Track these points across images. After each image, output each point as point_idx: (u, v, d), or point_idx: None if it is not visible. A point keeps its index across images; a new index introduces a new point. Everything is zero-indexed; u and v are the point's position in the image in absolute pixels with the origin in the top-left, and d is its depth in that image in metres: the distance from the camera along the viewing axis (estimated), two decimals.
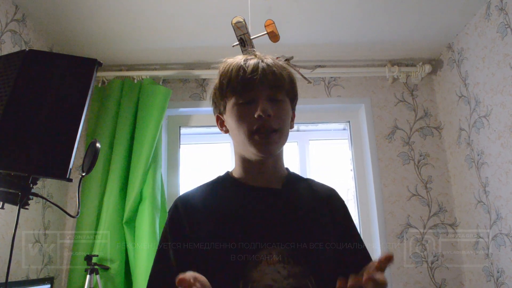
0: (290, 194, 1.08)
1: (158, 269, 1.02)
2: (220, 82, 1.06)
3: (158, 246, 1.04)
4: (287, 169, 1.16)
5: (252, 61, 1.02)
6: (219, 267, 0.95)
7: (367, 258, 1.10)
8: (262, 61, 1.03)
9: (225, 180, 1.12)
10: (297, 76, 1.16)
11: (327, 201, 1.12)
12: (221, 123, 1.12)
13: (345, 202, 1.17)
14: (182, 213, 1.04)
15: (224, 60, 1.09)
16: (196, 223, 1.01)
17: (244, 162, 1.07)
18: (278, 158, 1.09)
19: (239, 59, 1.05)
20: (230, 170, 1.14)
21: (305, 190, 1.12)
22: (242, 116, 1.01)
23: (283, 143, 1.06)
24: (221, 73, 1.06)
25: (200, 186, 1.12)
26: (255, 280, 0.91)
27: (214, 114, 1.14)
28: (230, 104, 1.04)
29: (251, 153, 1.03)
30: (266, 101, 1.00)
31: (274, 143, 1.01)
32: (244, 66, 1.01)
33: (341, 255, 1.04)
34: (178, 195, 2.71)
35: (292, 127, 1.11)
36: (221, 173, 1.15)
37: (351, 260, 1.05)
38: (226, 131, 1.10)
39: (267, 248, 0.94)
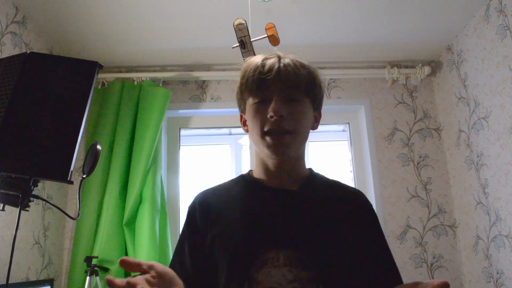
0: (306, 197, 1.04)
1: (174, 264, 1.05)
2: (240, 81, 1.06)
3: (178, 242, 1.08)
4: (310, 169, 1.13)
5: (270, 61, 1.01)
6: (226, 266, 0.95)
7: (394, 270, 1.04)
8: (280, 60, 1.02)
9: (244, 179, 1.12)
10: None
11: (350, 206, 1.06)
12: (244, 122, 1.12)
13: (373, 208, 1.10)
14: (198, 210, 1.06)
15: (247, 59, 1.08)
16: (209, 221, 1.03)
17: (262, 162, 1.07)
18: (298, 159, 1.07)
19: (258, 58, 1.04)
20: (252, 169, 1.14)
21: (325, 192, 1.08)
22: (257, 116, 1.00)
23: (299, 145, 1.03)
24: (241, 72, 1.06)
25: (221, 184, 1.14)
26: (259, 281, 0.90)
27: (239, 113, 1.14)
28: (248, 103, 1.04)
29: (265, 154, 1.02)
30: (281, 101, 0.98)
31: (287, 145, 0.99)
32: (260, 65, 1.01)
33: (363, 265, 0.99)
34: (178, 197, 2.73)
35: (315, 128, 1.09)
36: (244, 171, 1.16)
37: (376, 272, 1.00)
38: (247, 131, 1.09)
39: (275, 250, 0.92)
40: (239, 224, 1.00)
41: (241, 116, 1.13)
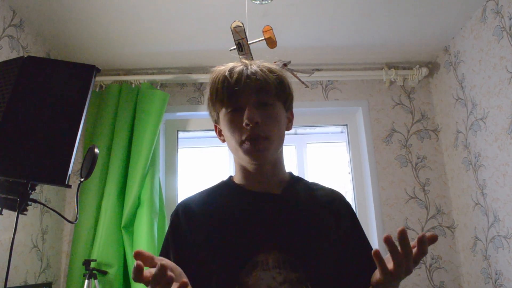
0: (290, 199, 1.06)
1: None
2: (210, 92, 1.06)
3: (160, 252, 1.06)
4: (290, 173, 1.15)
5: (237, 69, 1.02)
6: (215, 272, 0.96)
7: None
8: (247, 68, 1.02)
9: (226, 185, 1.12)
10: (294, 80, 1.16)
11: (332, 206, 1.09)
12: (219, 132, 1.13)
13: (352, 207, 1.14)
14: (182, 218, 1.06)
15: (213, 69, 1.08)
16: (195, 228, 1.02)
17: (243, 169, 1.07)
18: (276, 163, 1.08)
19: (225, 68, 1.05)
20: (233, 175, 1.14)
21: (307, 194, 1.10)
22: (233, 125, 1.01)
23: (276, 149, 1.05)
24: (210, 83, 1.06)
25: (202, 191, 1.13)
26: (250, 285, 0.91)
27: (213, 124, 1.14)
28: (221, 113, 1.05)
29: (244, 161, 1.03)
30: (254, 108, 0.99)
31: (265, 150, 1.00)
32: (228, 75, 1.01)
33: (346, 262, 1.02)
34: (176, 199, 2.73)
35: (289, 128, 1.10)
36: (224, 177, 1.16)
37: (358, 268, 1.03)
38: (224, 140, 1.10)
39: (264, 253, 0.94)
40: (226, 230, 1.00)
41: (215, 126, 1.14)
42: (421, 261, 2.55)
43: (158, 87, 2.77)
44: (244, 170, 1.07)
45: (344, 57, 2.82)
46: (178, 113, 2.84)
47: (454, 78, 2.60)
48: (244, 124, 0.97)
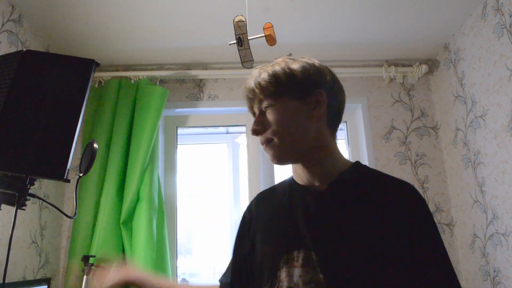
0: (333, 196, 0.99)
1: (229, 265, 1.20)
2: None
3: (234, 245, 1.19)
4: (356, 163, 1.07)
5: (244, 84, 1.08)
6: (257, 265, 1.03)
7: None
8: (247, 80, 1.07)
9: (287, 180, 1.17)
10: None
11: (392, 205, 0.93)
12: None
13: (425, 207, 0.95)
14: (249, 209, 1.18)
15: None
16: (254, 220, 1.11)
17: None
18: (313, 155, 1.02)
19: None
20: None
21: (359, 191, 0.99)
22: None
23: (294, 144, 1.01)
24: None
25: (276, 184, 1.21)
26: (281, 280, 0.94)
27: None
28: None
29: None
30: (257, 117, 1.05)
31: (275, 150, 1.01)
32: (243, 89, 1.09)
33: (398, 274, 0.88)
34: (176, 196, 2.72)
35: (317, 112, 1.03)
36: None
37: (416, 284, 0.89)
38: None
39: (296, 250, 0.95)
40: (272, 223, 1.06)
41: None
42: None
43: (158, 83, 2.76)
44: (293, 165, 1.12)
45: (344, 53, 2.81)
46: (177, 109, 2.84)
47: (454, 75, 2.60)
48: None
